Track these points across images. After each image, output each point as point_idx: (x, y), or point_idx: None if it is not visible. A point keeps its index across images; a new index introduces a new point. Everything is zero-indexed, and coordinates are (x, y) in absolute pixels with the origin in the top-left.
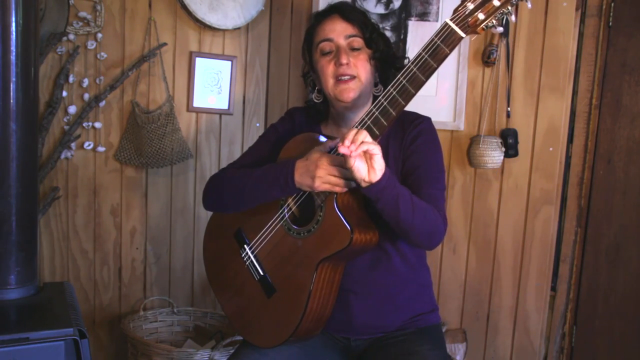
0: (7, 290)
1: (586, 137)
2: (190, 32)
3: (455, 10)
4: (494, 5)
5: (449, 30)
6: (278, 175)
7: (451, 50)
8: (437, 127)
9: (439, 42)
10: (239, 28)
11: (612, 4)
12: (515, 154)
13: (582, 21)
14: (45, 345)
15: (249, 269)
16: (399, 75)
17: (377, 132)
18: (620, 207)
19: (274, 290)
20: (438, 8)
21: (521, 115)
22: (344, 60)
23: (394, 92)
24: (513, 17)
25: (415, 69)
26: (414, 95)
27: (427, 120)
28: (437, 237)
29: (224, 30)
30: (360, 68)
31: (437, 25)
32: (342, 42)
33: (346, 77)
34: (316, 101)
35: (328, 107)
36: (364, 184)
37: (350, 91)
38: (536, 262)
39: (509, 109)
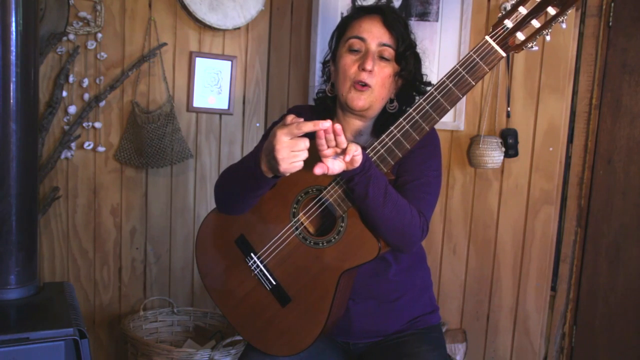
0: (7, 290)
1: (586, 137)
2: (190, 32)
3: (494, 27)
4: (534, 27)
5: (489, 48)
6: (250, 163)
7: (490, 70)
8: (437, 127)
9: (477, 59)
10: (239, 28)
11: (612, 4)
12: (515, 154)
13: (582, 21)
14: (45, 345)
15: (259, 278)
16: (431, 89)
17: (407, 145)
18: (620, 207)
19: (288, 299)
20: (438, 8)
21: (521, 115)
22: (368, 67)
23: (427, 107)
24: (548, 37)
25: (450, 84)
26: (448, 110)
27: None
28: (410, 239)
29: (224, 30)
30: (379, 81)
31: (437, 26)
32: (374, 47)
33: (362, 84)
34: (329, 94)
35: (337, 104)
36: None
37: (360, 100)
38: (536, 262)
39: (509, 109)
